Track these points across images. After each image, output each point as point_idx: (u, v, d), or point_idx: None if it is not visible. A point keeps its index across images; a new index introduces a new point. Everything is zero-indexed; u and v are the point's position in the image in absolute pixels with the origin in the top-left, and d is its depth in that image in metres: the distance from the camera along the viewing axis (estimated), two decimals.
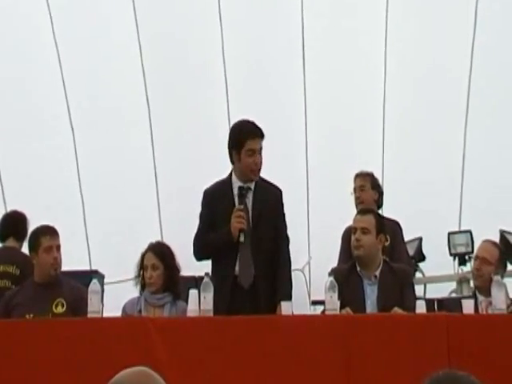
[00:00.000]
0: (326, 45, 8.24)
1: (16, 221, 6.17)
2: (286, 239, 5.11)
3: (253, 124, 5.07)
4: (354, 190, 6.08)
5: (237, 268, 4.94)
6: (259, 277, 4.94)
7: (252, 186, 5.09)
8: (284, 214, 5.13)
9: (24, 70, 8.14)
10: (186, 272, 5.30)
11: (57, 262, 5.15)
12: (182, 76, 8.25)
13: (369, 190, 6.05)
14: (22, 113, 8.19)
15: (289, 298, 4.83)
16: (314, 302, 7.40)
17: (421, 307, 4.70)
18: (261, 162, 5.01)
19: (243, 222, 4.92)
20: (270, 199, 5.08)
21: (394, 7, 8.15)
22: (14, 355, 4.33)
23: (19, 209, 6.35)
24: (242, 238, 4.92)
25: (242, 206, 4.97)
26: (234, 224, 4.92)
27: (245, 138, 4.98)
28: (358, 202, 6.00)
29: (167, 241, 5.59)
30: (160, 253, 5.08)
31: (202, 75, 8.31)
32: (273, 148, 6.70)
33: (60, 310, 5.05)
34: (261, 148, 5.00)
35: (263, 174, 5.15)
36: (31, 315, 4.99)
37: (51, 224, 5.29)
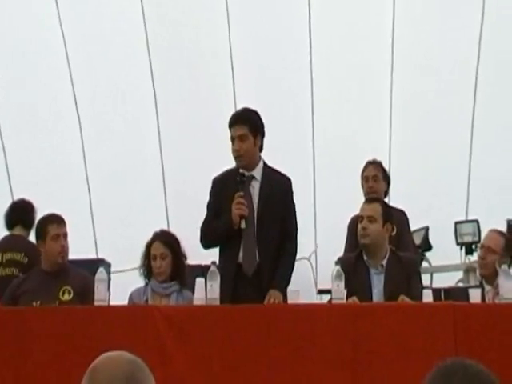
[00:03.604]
0: (332, 28, 8.20)
1: (23, 209, 6.18)
2: (294, 230, 5.09)
3: (235, 112, 5.15)
4: (366, 178, 5.96)
5: (240, 255, 4.96)
6: (264, 265, 4.93)
7: (259, 175, 5.09)
8: (294, 204, 5.11)
9: (31, 64, 8.15)
10: (192, 261, 5.30)
11: (64, 250, 5.18)
12: (188, 63, 8.24)
13: (381, 179, 5.94)
14: (29, 104, 8.20)
15: (281, 290, 4.82)
16: (321, 291, 7.39)
17: (427, 296, 4.70)
18: (243, 149, 5.01)
19: (243, 208, 4.93)
20: (276, 188, 5.07)
21: None
22: (21, 343, 4.35)
23: (26, 198, 6.36)
24: (243, 225, 4.93)
25: (242, 193, 4.98)
26: (234, 211, 4.93)
27: (229, 127, 5.08)
28: (371, 191, 5.85)
29: (174, 230, 5.60)
30: (167, 241, 5.10)
31: (210, 63, 8.30)
32: (279, 136, 6.68)
33: (67, 297, 5.07)
34: (241, 134, 5.01)
35: (271, 163, 5.15)
36: (38, 302, 5.01)
37: (58, 213, 5.30)
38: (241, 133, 5.02)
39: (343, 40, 8.19)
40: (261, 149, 5.13)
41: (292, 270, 5.01)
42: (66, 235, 5.21)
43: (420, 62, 8.16)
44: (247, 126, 5.02)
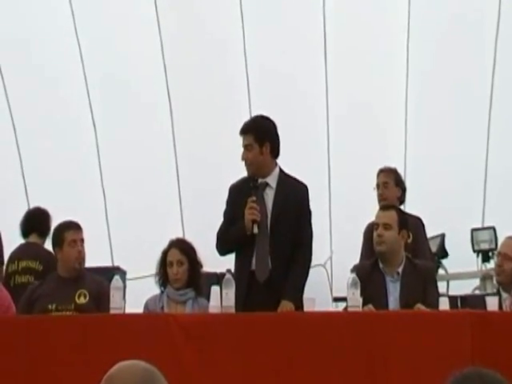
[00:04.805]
0: (347, 27, 8.19)
1: (38, 217, 6.21)
2: (309, 237, 5.04)
3: (244, 122, 5.16)
4: (377, 186, 6.00)
5: (253, 262, 4.95)
6: (276, 272, 4.92)
7: (274, 182, 5.08)
8: (310, 212, 5.08)
9: (43, 61, 8.17)
10: (207, 268, 5.31)
11: (81, 256, 5.20)
12: (202, 62, 8.25)
13: (392, 187, 5.96)
14: (43, 108, 8.23)
15: (293, 299, 4.79)
16: (336, 299, 7.37)
17: (444, 304, 4.67)
18: (249, 157, 5.02)
19: (256, 213, 4.92)
20: (292, 195, 5.05)
21: None
22: (36, 351, 4.35)
23: (41, 206, 6.39)
24: (255, 230, 4.92)
25: (254, 198, 4.97)
26: (246, 216, 4.93)
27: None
28: (381, 198, 5.92)
29: (189, 237, 5.60)
30: (184, 249, 5.11)
31: (223, 64, 8.31)
32: (294, 140, 6.66)
33: (83, 300, 5.09)
34: (246, 145, 5.03)
35: (285, 169, 5.13)
36: (54, 305, 5.03)
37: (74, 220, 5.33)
38: (246, 143, 5.05)
39: (358, 45, 8.18)
40: (276, 155, 5.11)
41: (305, 279, 4.97)
42: (82, 241, 5.23)
43: (435, 67, 8.14)
44: (252, 135, 5.02)
